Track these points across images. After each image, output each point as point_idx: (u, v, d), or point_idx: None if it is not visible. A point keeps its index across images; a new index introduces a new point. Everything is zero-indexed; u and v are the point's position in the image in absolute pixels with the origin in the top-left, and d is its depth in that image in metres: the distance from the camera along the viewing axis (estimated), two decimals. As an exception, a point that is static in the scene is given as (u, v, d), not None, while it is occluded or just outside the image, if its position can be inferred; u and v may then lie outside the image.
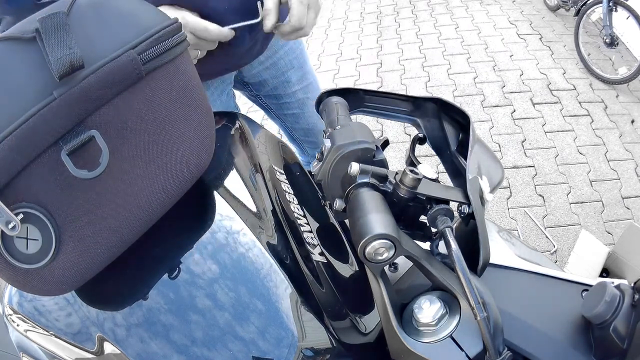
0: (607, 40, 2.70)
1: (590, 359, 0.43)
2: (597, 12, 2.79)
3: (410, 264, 0.51)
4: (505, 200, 2.03)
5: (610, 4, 2.61)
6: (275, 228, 0.57)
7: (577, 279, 0.49)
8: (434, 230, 0.47)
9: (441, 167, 1.70)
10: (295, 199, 0.67)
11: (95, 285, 0.50)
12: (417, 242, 0.46)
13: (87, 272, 0.46)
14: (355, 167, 0.45)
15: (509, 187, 2.08)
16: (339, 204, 0.48)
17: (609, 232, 1.85)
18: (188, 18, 0.62)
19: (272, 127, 2.17)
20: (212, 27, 0.64)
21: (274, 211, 0.60)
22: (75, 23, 0.41)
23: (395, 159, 2.30)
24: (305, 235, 0.61)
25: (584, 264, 1.14)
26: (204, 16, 0.66)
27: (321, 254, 0.61)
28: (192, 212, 0.58)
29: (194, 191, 0.56)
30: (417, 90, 2.77)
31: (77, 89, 0.39)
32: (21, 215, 0.39)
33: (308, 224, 0.65)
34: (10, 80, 0.38)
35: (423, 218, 0.48)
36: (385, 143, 0.55)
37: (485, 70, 2.88)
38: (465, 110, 0.53)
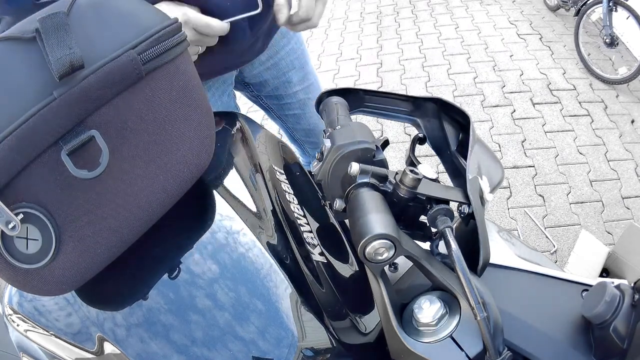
0: (607, 40, 2.70)
1: (590, 359, 0.43)
2: (597, 12, 2.79)
3: (410, 264, 0.51)
4: (505, 200, 2.03)
5: (610, 4, 2.61)
6: (275, 228, 0.57)
7: (577, 279, 0.49)
8: (434, 230, 0.47)
9: (441, 167, 1.70)
10: (295, 199, 0.67)
11: (95, 285, 0.50)
12: (417, 242, 0.46)
13: (87, 272, 0.46)
14: (355, 167, 0.45)
15: (509, 187, 2.08)
16: (339, 204, 0.48)
17: (609, 232, 1.85)
18: (190, 14, 0.62)
19: (272, 127, 2.17)
20: (214, 23, 0.64)
21: (274, 211, 0.60)
22: (75, 23, 0.41)
23: (395, 159, 2.30)
24: (305, 235, 0.61)
25: (584, 264, 1.14)
26: (204, 11, 0.66)
27: (321, 254, 0.61)
28: (192, 212, 0.58)
29: (194, 191, 0.56)
30: (417, 90, 2.77)
31: (77, 89, 0.39)
32: (21, 215, 0.39)
33: (308, 224, 0.65)
34: (10, 80, 0.38)
35: (423, 218, 0.48)
36: (385, 143, 0.55)
37: (485, 70, 2.88)
38: (465, 110, 0.53)
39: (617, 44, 2.72)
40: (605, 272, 1.09)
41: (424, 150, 1.93)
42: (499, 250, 0.76)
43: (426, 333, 0.42)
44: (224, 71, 0.91)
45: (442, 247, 0.44)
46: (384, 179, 0.47)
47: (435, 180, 0.47)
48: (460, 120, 0.56)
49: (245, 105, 1.81)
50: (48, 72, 0.38)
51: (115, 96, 0.43)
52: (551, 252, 1.78)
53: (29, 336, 0.52)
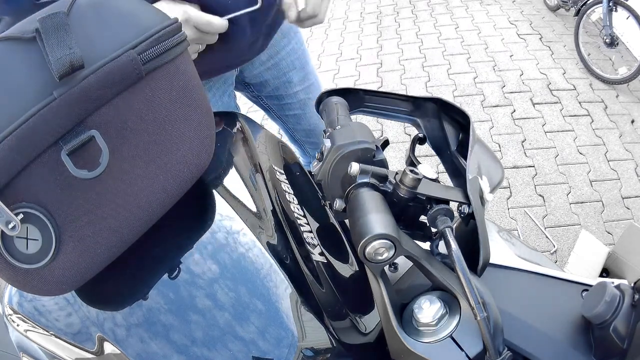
0: (607, 40, 2.70)
1: (590, 359, 0.43)
2: (597, 12, 2.79)
3: (410, 264, 0.51)
4: (505, 200, 2.03)
5: (610, 4, 2.61)
6: (275, 228, 0.57)
7: (577, 279, 0.49)
8: (434, 230, 0.47)
9: (441, 167, 1.70)
10: (295, 199, 0.67)
11: (95, 285, 0.50)
12: (417, 242, 0.46)
13: (87, 272, 0.46)
14: (355, 167, 0.45)
15: (509, 187, 2.08)
16: (339, 204, 0.48)
17: (609, 232, 1.85)
18: (191, 12, 0.62)
19: (272, 127, 2.17)
20: (215, 20, 0.64)
21: (274, 211, 0.60)
22: (75, 23, 0.41)
23: (395, 159, 2.30)
24: (305, 235, 0.61)
25: (584, 264, 1.14)
26: (204, 8, 0.66)
27: (321, 254, 0.61)
28: (192, 212, 0.58)
29: (194, 191, 0.56)
30: (417, 90, 2.77)
31: (77, 89, 0.39)
32: (21, 215, 0.39)
33: (308, 224, 0.65)
34: (10, 80, 0.38)
35: (423, 218, 0.48)
36: (385, 143, 0.55)
37: (485, 70, 2.88)
38: (465, 110, 0.53)
39: (617, 44, 2.72)
40: (605, 272, 1.09)
41: (424, 150, 1.93)
42: (499, 250, 0.76)
43: (426, 333, 0.42)
44: (224, 70, 0.90)
45: (442, 247, 0.44)
46: (384, 179, 0.47)
47: (435, 180, 0.47)
48: (460, 120, 0.56)
49: (245, 105, 1.81)
50: (48, 72, 0.38)
51: (115, 96, 0.43)
52: (551, 252, 1.78)
53: (29, 336, 0.52)
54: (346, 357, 0.49)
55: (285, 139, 1.11)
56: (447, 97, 2.63)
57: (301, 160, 1.27)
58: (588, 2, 2.80)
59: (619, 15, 2.63)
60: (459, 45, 3.19)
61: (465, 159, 0.48)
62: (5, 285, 0.55)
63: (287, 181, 0.70)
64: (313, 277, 0.55)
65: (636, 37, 2.68)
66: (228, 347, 0.45)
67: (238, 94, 1.11)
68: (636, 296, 0.41)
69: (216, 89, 0.94)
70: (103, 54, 0.41)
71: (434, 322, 0.42)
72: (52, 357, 0.51)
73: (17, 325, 0.53)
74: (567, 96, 2.61)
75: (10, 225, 0.37)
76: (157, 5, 0.60)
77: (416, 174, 0.44)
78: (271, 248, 0.53)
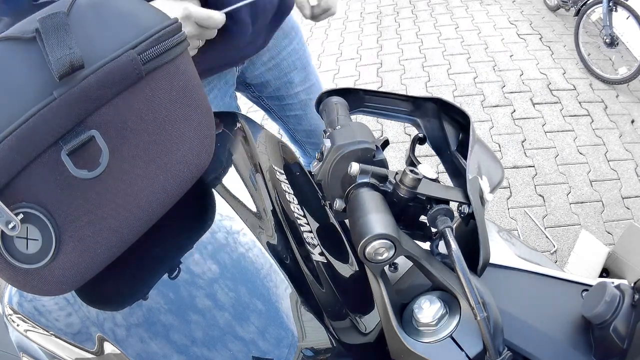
0: (607, 40, 2.70)
1: (590, 359, 0.43)
2: (597, 12, 2.79)
3: (410, 264, 0.51)
4: (505, 200, 2.03)
5: (610, 4, 2.61)
6: (275, 228, 0.57)
7: (577, 279, 0.49)
8: (434, 230, 0.47)
9: (441, 167, 1.70)
10: (295, 199, 0.67)
11: (95, 285, 0.50)
12: (417, 242, 0.46)
13: (87, 272, 0.46)
14: (355, 167, 0.45)
15: (509, 187, 2.08)
16: (339, 204, 0.48)
17: (609, 232, 1.85)
18: (191, 8, 0.62)
19: (272, 127, 2.17)
20: (216, 15, 0.64)
21: (274, 211, 0.60)
22: (75, 23, 0.41)
23: (395, 159, 2.30)
24: (305, 235, 0.61)
25: (584, 264, 1.14)
26: (203, 3, 0.66)
27: (321, 254, 0.61)
28: (192, 212, 0.58)
29: (194, 191, 0.56)
30: (417, 90, 2.77)
31: (77, 89, 0.39)
32: (21, 215, 0.39)
33: (308, 224, 0.65)
34: (10, 80, 0.38)
35: (423, 218, 0.48)
36: (385, 143, 0.55)
37: (485, 70, 2.88)
38: (465, 110, 0.53)
39: (617, 44, 2.72)
40: (605, 272, 1.09)
41: (424, 150, 1.93)
42: (499, 250, 0.76)
43: (426, 333, 0.42)
44: (225, 67, 0.90)
45: (442, 247, 0.44)
46: (384, 179, 0.46)
47: (435, 180, 0.47)
48: (460, 120, 0.56)
49: (245, 105, 1.81)
50: (48, 72, 0.38)
51: (115, 96, 0.43)
52: (551, 252, 1.78)
53: (29, 336, 0.52)
54: (346, 357, 0.49)
55: (285, 139, 1.11)
56: (447, 97, 2.63)
57: (302, 160, 1.27)
58: (588, 2, 2.80)
59: (619, 15, 2.63)
60: (459, 45, 3.19)
61: (465, 159, 0.48)
62: (5, 285, 0.55)
63: (287, 181, 0.70)
64: (313, 277, 0.55)
65: (636, 37, 2.68)
66: (228, 347, 0.45)
67: (238, 95, 1.11)
68: (636, 296, 0.41)
69: (218, 89, 0.94)
70: (103, 54, 0.41)
71: (434, 322, 0.42)
72: (52, 357, 0.51)
73: (17, 325, 0.53)
74: (567, 96, 2.61)
75: (10, 225, 0.37)
76: (157, 2, 0.60)
77: (416, 174, 0.44)
78: (271, 248, 0.53)
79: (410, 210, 0.47)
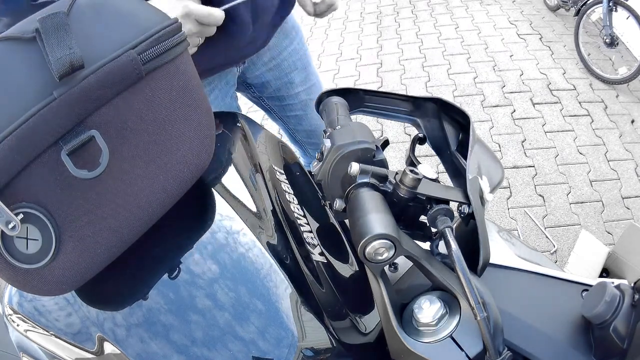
0: (607, 40, 2.70)
1: (590, 359, 0.43)
2: (597, 12, 2.79)
3: (410, 264, 0.51)
4: (505, 200, 2.03)
5: (610, 4, 2.61)
6: (275, 228, 0.57)
7: (577, 279, 0.49)
8: (434, 230, 0.47)
9: (441, 167, 1.70)
10: (295, 199, 0.67)
11: (95, 285, 0.50)
12: (417, 242, 0.46)
13: (87, 272, 0.46)
14: (355, 167, 0.45)
15: (509, 187, 2.08)
16: (339, 204, 0.48)
17: (609, 232, 1.85)
18: (191, 6, 0.62)
19: (272, 126, 2.17)
20: (215, 12, 0.64)
21: (274, 211, 0.60)
22: (75, 23, 0.41)
23: (395, 159, 2.30)
24: (305, 235, 0.61)
25: (584, 264, 1.14)
26: (204, 1, 0.66)
27: (321, 254, 0.61)
28: (192, 212, 0.58)
29: (194, 191, 0.56)
30: (417, 90, 2.77)
31: (77, 89, 0.39)
32: (21, 215, 0.39)
33: (308, 224, 0.65)
34: (10, 80, 0.38)
35: (423, 218, 0.48)
36: (385, 143, 0.55)
37: (485, 70, 2.88)
38: (465, 110, 0.53)
39: (617, 44, 2.72)
40: (605, 272, 1.09)
41: (424, 150, 1.93)
42: (499, 250, 0.76)
43: (426, 333, 0.42)
44: (226, 67, 0.90)
45: (442, 247, 0.44)
46: (384, 179, 0.46)
47: (435, 180, 0.47)
48: (460, 120, 0.56)
49: (245, 105, 1.81)
50: (48, 72, 0.38)
51: (115, 96, 0.43)
52: (551, 252, 1.78)
53: (29, 336, 0.52)
54: (346, 357, 0.49)
55: (285, 139, 1.11)
56: (447, 97, 2.63)
57: (302, 160, 1.27)
58: (588, 2, 2.80)
59: (619, 15, 2.63)
60: (459, 45, 3.19)
61: (465, 159, 0.48)
62: (5, 285, 0.55)
63: (287, 181, 0.70)
64: (313, 277, 0.55)
65: (636, 37, 2.68)
66: (228, 347, 0.45)
67: (238, 95, 1.11)
68: (636, 296, 0.41)
69: (219, 90, 0.94)
70: (103, 54, 0.41)
71: (434, 322, 0.42)
72: (52, 357, 0.51)
73: (17, 325, 0.53)
74: (567, 96, 2.61)
75: (10, 225, 0.37)
76: (157, 1, 0.60)
77: (416, 174, 0.44)
78: (271, 248, 0.53)
79: (410, 210, 0.47)
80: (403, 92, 1.06)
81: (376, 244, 0.40)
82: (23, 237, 0.40)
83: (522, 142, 2.32)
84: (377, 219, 0.41)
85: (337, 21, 3.80)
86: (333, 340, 0.49)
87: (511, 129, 2.41)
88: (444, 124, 0.57)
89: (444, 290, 0.45)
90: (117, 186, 0.45)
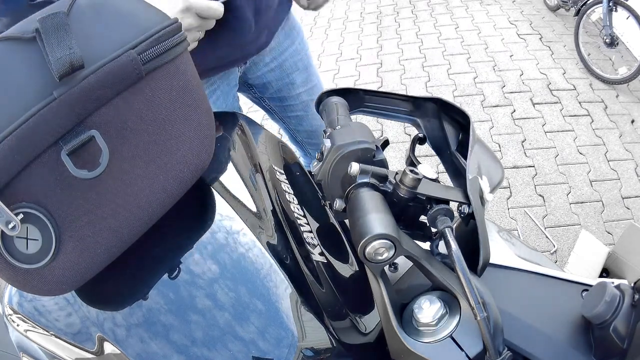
0: (607, 40, 2.70)
1: (590, 359, 0.43)
2: (597, 12, 2.79)
3: (410, 264, 0.51)
4: (505, 200, 2.03)
5: (610, 4, 2.61)
6: (275, 228, 0.57)
7: (577, 279, 0.49)
8: (434, 230, 0.47)
9: (441, 167, 1.70)
10: (295, 199, 0.67)
11: (95, 285, 0.50)
12: (417, 242, 0.46)
13: (87, 272, 0.46)
14: (355, 167, 0.45)
15: (509, 187, 2.08)
16: (339, 204, 0.48)
17: (609, 232, 1.85)
18: (191, 0, 0.62)
19: (273, 127, 2.17)
20: (215, 5, 0.65)
21: (274, 211, 0.60)
22: (75, 23, 0.41)
23: (395, 159, 2.30)
24: (305, 235, 0.61)
25: (584, 264, 1.14)
26: None
27: (321, 254, 0.61)
28: (192, 212, 0.58)
29: (194, 191, 0.56)
30: (417, 90, 2.77)
31: (77, 89, 0.39)
32: (21, 215, 0.39)
33: (308, 224, 0.65)
34: (10, 80, 0.38)
35: (423, 218, 0.48)
36: (385, 143, 0.55)
37: (485, 70, 2.88)
38: (465, 110, 0.53)
39: (617, 44, 2.72)
40: (605, 272, 1.09)
41: (424, 150, 1.93)
42: (499, 250, 0.76)
43: (426, 333, 0.42)
44: (228, 66, 0.91)
45: (442, 247, 0.44)
46: (384, 179, 0.46)
47: (435, 180, 0.47)
48: (460, 120, 0.56)
49: (245, 105, 1.81)
50: (48, 72, 0.38)
51: (115, 96, 0.43)
52: (551, 252, 1.78)
53: (29, 336, 0.52)
54: (346, 357, 0.49)
55: (285, 139, 1.11)
56: (447, 97, 2.63)
57: (302, 160, 1.27)
58: (588, 2, 2.80)
59: (619, 15, 2.63)
60: (459, 45, 3.19)
61: (465, 159, 0.48)
62: (5, 285, 0.55)
63: (287, 181, 0.70)
64: (313, 277, 0.55)
65: (636, 37, 2.68)
66: (228, 347, 0.45)
67: (238, 95, 1.11)
68: (636, 296, 0.41)
69: (221, 90, 0.94)
70: (103, 54, 0.41)
71: (434, 322, 0.42)
72: (52, 357, 0.51)
73: (17, 325, 0.53)
74: (567, 96, 2.61)
75: (10, 225, 0.37)
76: None
77: (416, 174, 0.44)
78: (271, 248, 0.53)
79: (410, 210, 0.47)
80: (403, 92, 1.06)
81: (376, 244, 0.40)
82: (23, 237, 0.40)
83: (522, 142, 2.32)
84: (377, 219, 0.41)
85: (337, 21, 3.80)
86: (333, 340, 0.49)
87: (511, 129, 2.41)
88: (444, 124, 0.57)
89: (444, 290, 0.45)
90: (117, 186, 0.45)
